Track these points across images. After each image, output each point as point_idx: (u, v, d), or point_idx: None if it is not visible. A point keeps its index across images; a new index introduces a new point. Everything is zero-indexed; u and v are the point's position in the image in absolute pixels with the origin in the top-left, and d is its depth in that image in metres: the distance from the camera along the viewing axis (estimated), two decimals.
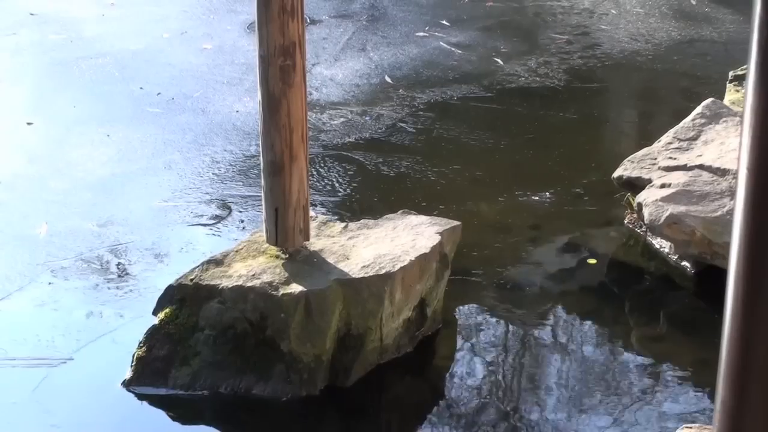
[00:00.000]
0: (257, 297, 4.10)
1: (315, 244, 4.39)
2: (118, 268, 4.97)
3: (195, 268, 4.28)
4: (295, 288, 4.10)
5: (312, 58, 7.43)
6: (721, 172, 5.04)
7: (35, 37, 7.95)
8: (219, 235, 5.26)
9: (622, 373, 4.32)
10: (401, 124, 6.53)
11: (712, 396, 3.93)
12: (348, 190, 5.74)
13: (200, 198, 5.60)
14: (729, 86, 6.16)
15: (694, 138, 5.37)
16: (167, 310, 4.23)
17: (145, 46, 7.80)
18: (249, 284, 4.13)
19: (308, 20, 8.13)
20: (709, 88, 6.78)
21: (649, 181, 5.15)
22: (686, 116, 5.54)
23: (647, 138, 5.81)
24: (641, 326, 4.72)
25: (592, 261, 5.09)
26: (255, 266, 4.24)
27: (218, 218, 5.42)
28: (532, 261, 5.11)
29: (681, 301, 4.88)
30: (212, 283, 4.18)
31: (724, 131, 5.36)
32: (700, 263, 4.93)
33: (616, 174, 5.32)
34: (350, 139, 6.31)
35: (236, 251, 4.38)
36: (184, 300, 4.21)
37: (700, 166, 5.12)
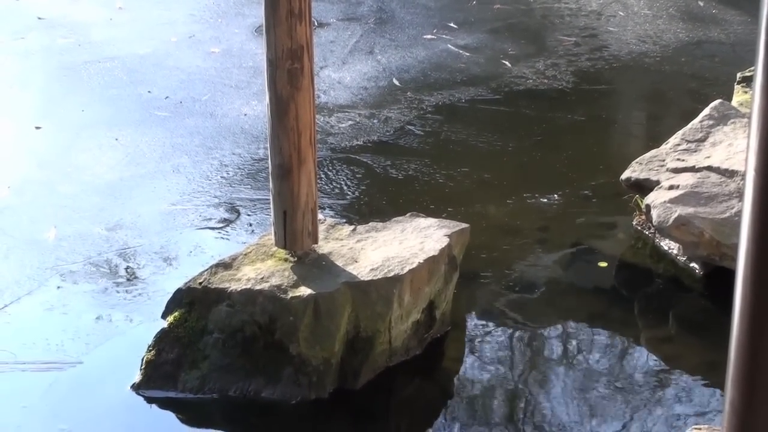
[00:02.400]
0: (266, 300, 4.10)
1: (323, 247, 4.39)
2: (127, 272, 4.98)
3: (204, 272, 4.29)
4: (304, 291, 4.10)
5: (320, 61, 7.44)
6: (730, 174, 5.03)
7: (43, 42, 7.96)
8: (227, 239, 5.27)
9: (631, 374, 4.32)
10: (409, 127, 6.53)
11: (721, 397, 3.93)
12: (356, 193, 5.74)
13: (209, 201, 5.61)
14: (737, 87, 6.15)
15: (702, 139, 5.36)
16: (176, 313, 4.23)
17: (152, 49, 7.81)
18: (258, 287, 4.14)
19: (316, 23, 8.13)
20: (717, 90, 6.78)
21: (658, 182, 5.15)
22: (694, 118, 5.54)
23: (655, 140, 5.81)
24: (650, 328, 4.72)
25: (603, 264, 5.08)
26: (264, 269, 4.24)
27: (227, 221, 5.42)
28: (541, 263, 5.11)
29: (690, 302, 4.88)
30: (221, 286, 4.19)
31: (732, 133, 5.36)
32: (709, 265, 4.92)
33: (624, 176, 5.31)
34: (358, 142, 6.32)
35: (245, 254, 4.38)
36: (193, 303, 4.22)
37: (709, 168, 5.12)
